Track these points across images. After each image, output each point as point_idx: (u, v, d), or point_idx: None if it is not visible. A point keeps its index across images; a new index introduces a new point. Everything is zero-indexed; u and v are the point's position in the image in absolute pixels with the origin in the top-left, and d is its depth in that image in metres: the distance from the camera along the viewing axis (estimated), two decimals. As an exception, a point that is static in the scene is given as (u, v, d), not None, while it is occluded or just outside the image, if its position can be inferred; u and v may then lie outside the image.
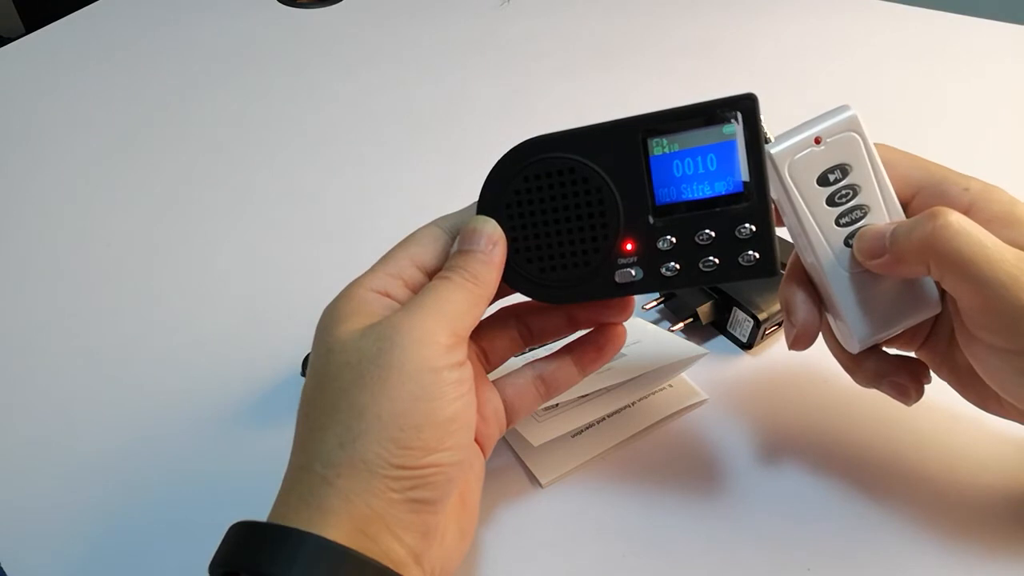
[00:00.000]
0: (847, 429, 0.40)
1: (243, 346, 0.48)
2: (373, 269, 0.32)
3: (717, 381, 0.43)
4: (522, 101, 0.71)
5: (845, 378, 0.36)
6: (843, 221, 0.32)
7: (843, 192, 0.32)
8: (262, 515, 0.28)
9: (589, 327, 0.36)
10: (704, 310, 0.45)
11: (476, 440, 0.32)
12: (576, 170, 0.31)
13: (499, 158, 0.32)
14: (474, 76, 0.75)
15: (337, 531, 0.26)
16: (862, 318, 0.32)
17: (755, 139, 0.30)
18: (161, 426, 0.44)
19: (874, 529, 0.36)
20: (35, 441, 0.44)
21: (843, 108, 0.31)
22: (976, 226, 0.28)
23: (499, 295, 0.33)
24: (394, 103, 0.72)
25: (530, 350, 0.40)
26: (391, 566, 0.27)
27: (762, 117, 0.30)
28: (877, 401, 0.37)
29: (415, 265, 0.32)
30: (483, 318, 0.33)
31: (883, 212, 0.32)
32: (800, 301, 0.33)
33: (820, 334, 0.35)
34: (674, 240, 0.31)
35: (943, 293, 0.32)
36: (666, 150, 0.31)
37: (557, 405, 0.40)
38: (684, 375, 0.43)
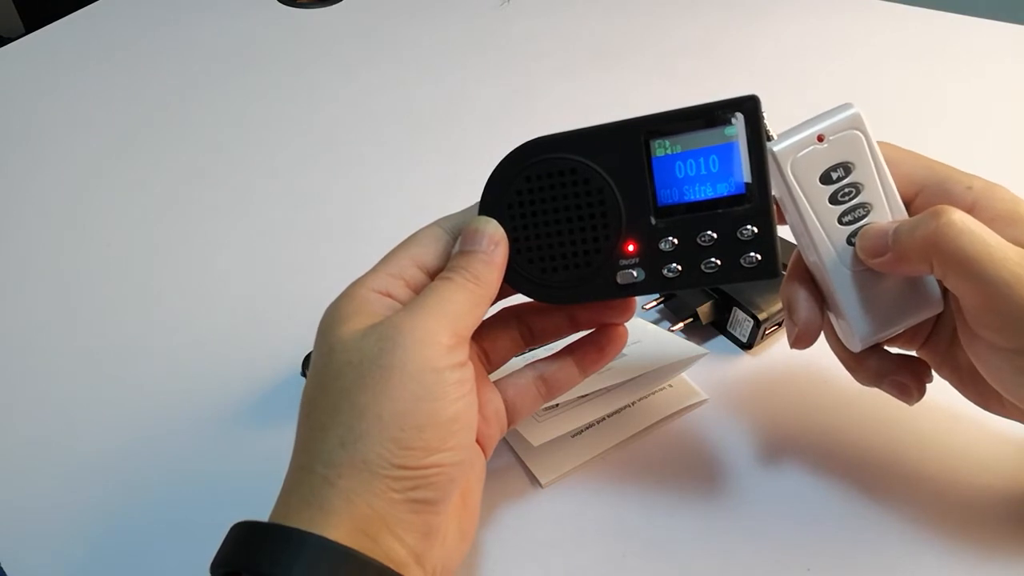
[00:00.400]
0: (847, 429, 0.40)
1: (243, 346, 0.48)
2: (375, 269, 0.32)
3: (717, 381, 0.43)
4: (522, 101, 0.71)
5: (845, 378, 0.36)
6: (846, 219, 0.32)
7: (846, 190, 0.32)
8: (263, 515, 0.28)
9: (590, 328, 0.36)
10: (704, 310, 0.45)
11: (477, 440, 0.32)
12: (578, 171, 0.31)
13: (501, 158, 0.32)
14: (474, 76, 0.75)
15: (338, 531, 0.26)
16: (864, 316, 0.32)
17: (757, 140, 0.30)
18: (161, 426, 0.44)
19: (874, 529, 0.36)
20: (35, 441, 0.44)
21: (846, 106, 0.31)
22: (979, 225, 0.28)
23: (500, 295, 0.33)
24: (394, 103, 0.72)
25: (530, 350, 0.40)
26: (392, 566, 0.27)
27: (764, 117, 0.30)
28: (877, 401, 0.36)
29: (416, 265, 0.32)
30: (484, 318, 0.33)
31: (886, 210, 0.32)
32: (802, 299, 0.33)
33: (822, 333, 0.34)
34: (676, 241, 0.31)
35: (945, 292, 0.32)
36: (668, 151, 0.31)
37: (557, 405, 0.40)
38: (684, 375, 0.43)
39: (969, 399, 0.35)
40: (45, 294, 0.54)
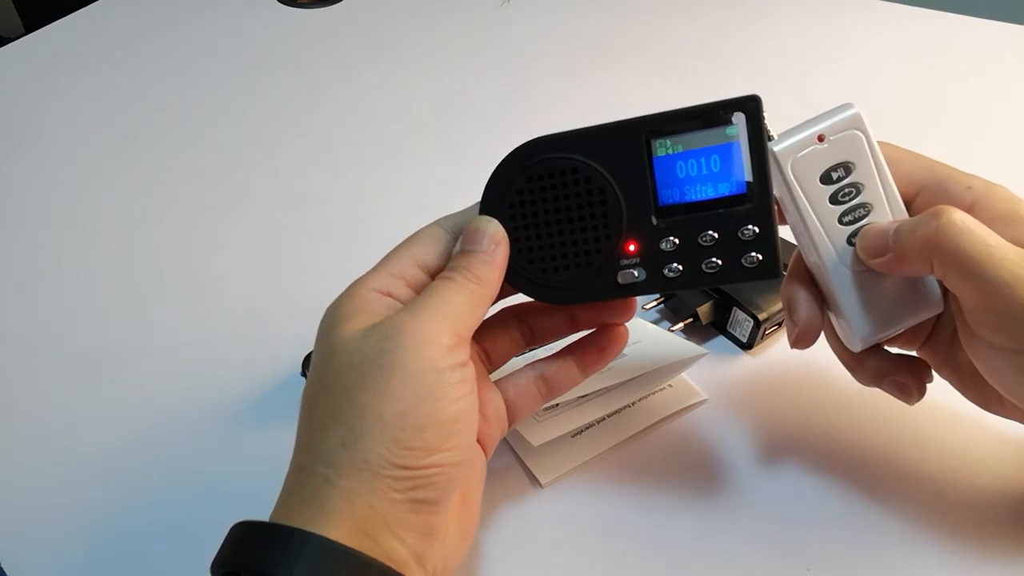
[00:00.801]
0: (847, 429, 0.40)
1: (243, 346, 0.48)
2: (375, 269, 0.32)
3: (717, 381, 0.43)
4: (522, 101, 0.71)
5: (845, 378, 0.36)
6: (846, 219, 0.32)
7: (846, 190, 0.32)
8: (263, 515, 0.28)
9: (591, 328, 0.36)
10: (704, 310, 0.45)
11: (478, 440, 0.32)
12: (579, 170, 0.31)
13: (502, 158, 0.32)
14: (474, 76, 0.75)
15: (339, 531, 0.26)
16: (864, 317, 0.32)
17: (759, 141, 0.30)
18: (161, 426, 0.44)
19: (874, 529, 0.36)
20: (35, 441, 0.44)
21: (847, 106, 0.31)
22: (980, 225, 0.28)
23: (501, 295, 0.33)
24: (394, 103, 0.72)
25: (531, 350, 0.40)
26: (393, 566, 0.27)
27: (765, 117, 0.30)
28: (877, 401, 0.36)
29: (417, 265, 0.32)
30: (485, 318, 0.33)
31: (886, 210, 0.32)
32: (802, 299, 0.33)
33: (822, 333, 0.34)
34: (677, 241, 0.31)
35: (945, 292, 0.32)
36: (669, 151, 0.31)
37: (557, 405, 0.40)
38: (684, 375, 0.43)
39: (969, 399, 0.35)
40: (45, 294, 0.54)
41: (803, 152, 0.31)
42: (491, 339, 0.35)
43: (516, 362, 0.37)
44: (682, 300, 0.47)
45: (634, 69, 0.74)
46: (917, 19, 0.79)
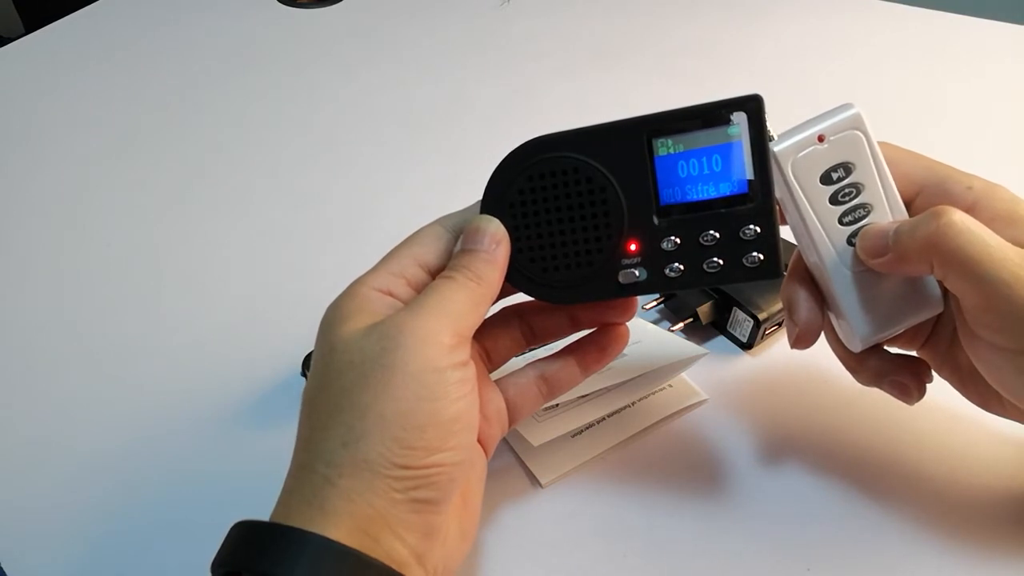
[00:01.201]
0: (847, 429, 0.40)
1: (243, 346, 0.48)
2: (376, 268, 0.32)
3: (717, 381, 0.43)
4: (522, 101, 0.71)
5: (845, 378, 0.36)
6: (846, 220, 0.32)
7: (846, 191, 0.32)
8: (263, 515, 0.28)
9: (592, 327, 0.36)
10: (704, 310, 0.45)
11: (478, 440, 0.32)
12: (580, 170, 0.31)
13: (503, 157, 0.32)
14: (474, 76, 0.75)
15: (339, 531, 0.26)
16: (864, 317, 0.32)
17: (760, 140, 0.30)
18: (161, 426, 0.44)
19: (874, 529, 0.36)
20: (35, 441, 0.44)
21: (847, 106, 0.31)
22: (979, 225, 0.28)
23: (502, 294, 0.33)
24: (394, 103, 0.72)
25: (530, 350, 0.40)
26: (393, 566, 0.27)
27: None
28: (877, 401, 0.37)
29: (418, 264, 0.32)
30: (485, 317, 0.33)
31: (886, 211, 0.32)
32: (802, 300, 0.33)
33: (822, 333, 0.34)
34: (678, 241, 0.31)
35: (945, 292, 0.32)
36: (671, 150, 0.31)
37: (557, 405, 0.40)
38: (684, 375, 0.43)
39: (969, 399, 0.35)
40: (45, 294, 0.54)
41: (803, 152, 0.31)
42: (492, 338, 0.35)
43: (516, 362, 0.37)
44: (682, 300, 0.47)
45: (634, 69, 0.74)
46: (917, 19, 0.79)
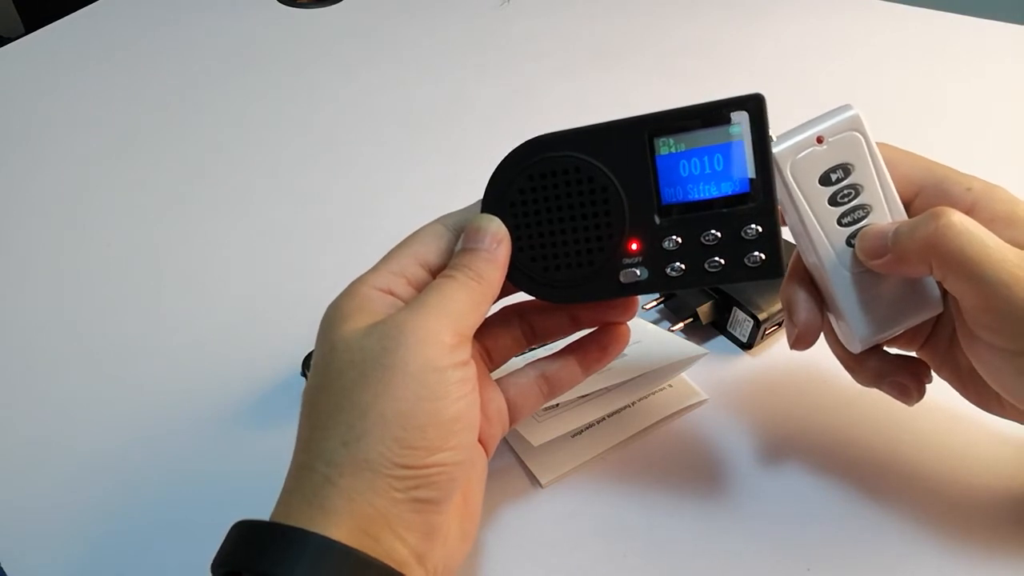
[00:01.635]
0: (847, 429, 0.40)
1: (243, 346, 0.48)
2: (377, 267, 0.32)
3: (717, 381, 0.43)
4: (522, 101, 0.71)
5: (845, 378, 0.36)
6: (845, 221, 0.32)
7: (845, 192, 0.32)
8: (263, 515, 0.28)
9: (592, 326, 0.36)
10: (704, 310, 0.45)
11: (479, 439, 0.32)
12: (581, 169, 0.31)
13: (504, 156, 0.32)
14: (474, 76, 0.75)
15: (340, 531, 0.26)
16: (864, 318, 0.32)
17: (762, 139, 0.30)
18: (161, 426, 0.44)
19: (874, 529, 0.36)
20: (35, 441, 0.44)
21: (845, 107, 0.31)
22: (978, 226, 0.28)
23: (502, 294, 0.33)
24: (394, 103, 0.72)
25: (530, 350, 0.40)
26: (394, 566, 0.27)
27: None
28: (877, 401, 0.37)
29: (419, 263, 0.32)
30: (486, 317, 0.33)
31: (885, 212, 0.32)
32: (802, 301, 0.33)
33: (821, 334, 0.35)
34: (680, 240, 0.31)
35: (945, 293, 0.32)
36: (672, 150, 0.31)
37: (557, 405, 0.40)
38: (684, 375, 0.43)
39: (969, 400, 0.35)
40: (45, 294, 0.54)
41: (802, 154, 0.31)
42: (492, 338, 0.35)
43: (516, 362, 0.37)
44: (682, 300, 0.47)
45: (634, 69, 0.74)
46: (917, 19, 0.79)
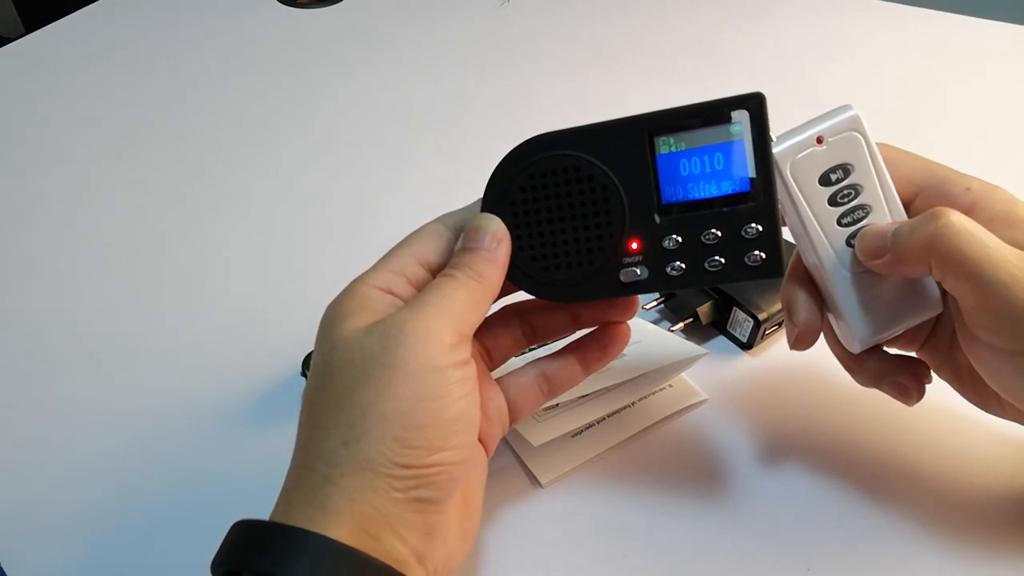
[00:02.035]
0: (847, 429, 0.40)
1: (243, 346, 0.48)
2: (377, 266, 0.32)
3: (717, 381, 0.43)
4: (522, 101, 0.71)
5: (845, 378, 0.36)
6: (845, 221, 0.32)
7: (845, 192, 0.32)
8: (263, 515, 0.28)
9: (593, 325, 0.36)
10: (704, 310, 0.45)
11: (479, 439, 0.32)
12: (582, 168, 0.31)
13: (504, 155, 0.32)
14: (474, 76, 0.75)
15: (340, 530, 0.26)
16: (863, 318, 0.32)
17: (763, 138, 0.30)
18: (161, 426, 0.44)
19: (874, 529, 0.36)
20: (35, 441, 0.44)
21: (845, 108, 0.31)
22: (978, 226, 0.28)
23: (503, 293, 0.33)
24: (394, 103, 0.72)
25: (530, 349, 0.40)
26: (394, 566, 0.27)
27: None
28: (877, 401, 0.37)
29: (419, 262, 0.32)
30: (486, 316, 0.33)
31: (885, 212, 0.32)
32: (801, 301, 0.33)
33: (821, 334, 0.35)
34: (680, 239, 0.31)
35: (944, 293, 0.32)
36: (673, 149, 0.31)
37: (557, 405, 0.40)
38: (684, 375, 0.43)
39: (968, 400, 0.35)
40: (45, 294, 0.54)
41: (802, 154, 0.31)
42: (492, 337, 0.35)
43: (515, 361, 0.37)
44: (682, 300, 0.47)
45: (634, 69, 0.74)
46: (917, 19, 0.79)
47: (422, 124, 0.69)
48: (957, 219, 0.28)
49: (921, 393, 0.34)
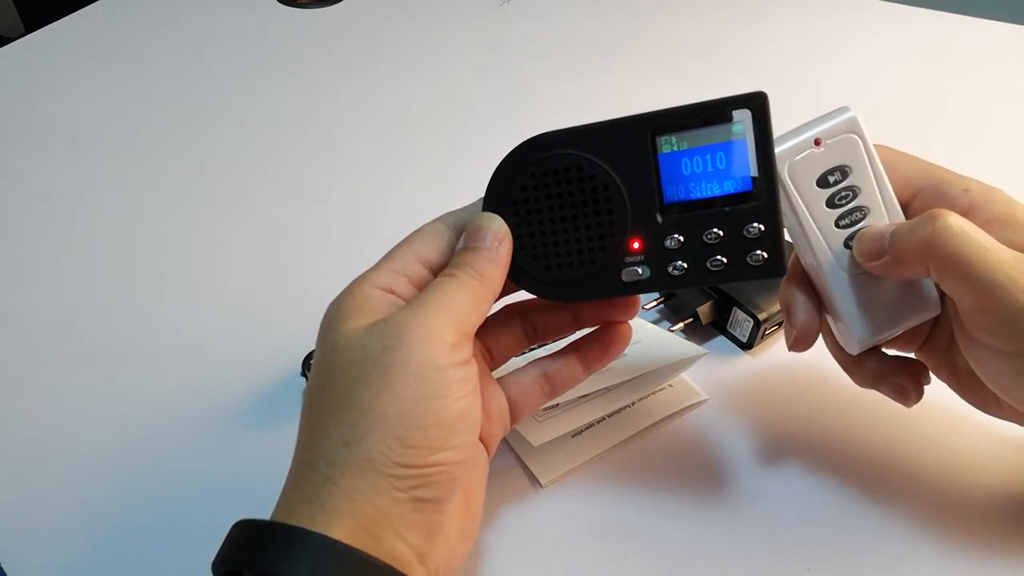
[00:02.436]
0: (847, 429, 0.40)
1: (243, 346, 0.48)
2: (378, 266, 0.32)
3: (717, 381, 0.43)
4: (522, 101, 0.71)
5: (845, 378, 0.36)
6: (843, 223, 0.32)
7: (843, 194, 0.32)
8: (263, 515, 0.28)
9: (594, 325, 0.36)
10: (704, 310, 0.45)
11: (480, 438, 0.32)
12: (583, 167, 0.31)
13: (506, 154, 0.32)
14: (474, 76, 0.75)
15: (341, 530, 0.26)
16: (862, 319, 0.32)
17: (765, 138, 0.30)
18: (161, 426, 0.44)
19: (874, 529, 0.36)
20: (35, 441, 0.44)
21: (843, 110, 0.31)
22: (975, 228, 0.28)
23: (504, 292, 0.33)
24: (394, 103, 0.72)
25: (531, 349, 0.40)
26: (395, 565, 0.27)
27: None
28: (877, 401, 0.37)
29: (420, 262, 0.32)
30: (487, 315, 0.33)
31: (883, 214, 0.32)
32: (800, 302, 0.33)
33: (820, 335, 0.35)
34: (682, 239, 0.31)
35: (942, 295, 0.32)
36: (675, 148, 0.31)
37: (557, 405, 0.40)
38: (684, 375, 0.43)
39: (967, 401, 0.35)
40: (45, 294, 0.54)
41: (800, 156, 0.31)
42: (493, 336, 0.35)
43: (516, 361, 0.37)
44: (682, 300, 0.47)
45: (634, 69, 0.74)
46: (917, 19, 0.79)
47: (422, 124, 0.69)
48: (955, 221, 0.28)
49: (920, 394, 0.34)
